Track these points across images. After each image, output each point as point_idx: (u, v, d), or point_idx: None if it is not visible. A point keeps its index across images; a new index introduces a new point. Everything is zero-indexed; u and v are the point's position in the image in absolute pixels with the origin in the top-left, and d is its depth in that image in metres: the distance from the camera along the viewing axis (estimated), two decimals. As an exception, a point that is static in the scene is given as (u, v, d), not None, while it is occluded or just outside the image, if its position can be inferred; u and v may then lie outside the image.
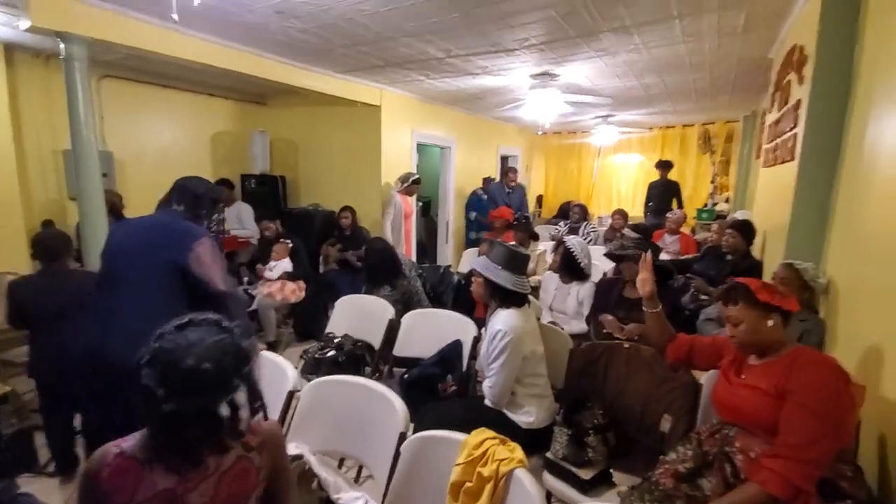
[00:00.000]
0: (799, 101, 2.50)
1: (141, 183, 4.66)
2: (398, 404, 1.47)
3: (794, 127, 2.56)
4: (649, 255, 1.88)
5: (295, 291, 4.06)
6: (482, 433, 1.32)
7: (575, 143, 8.68)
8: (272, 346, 3.88)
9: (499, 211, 4.99)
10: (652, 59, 3.72)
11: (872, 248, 1.76)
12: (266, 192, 5.38)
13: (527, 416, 1.86)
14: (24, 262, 3.82)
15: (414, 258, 5.46)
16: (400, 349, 2.60)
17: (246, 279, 4.39)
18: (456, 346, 2.33)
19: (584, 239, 4.83)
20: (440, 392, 2.21)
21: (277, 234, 4.35)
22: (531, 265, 4.07)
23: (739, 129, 6.63)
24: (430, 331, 2.56)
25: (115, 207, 3.71)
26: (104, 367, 1.64)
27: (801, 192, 2.39)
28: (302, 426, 1.62)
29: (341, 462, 1.96)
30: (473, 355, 2.39)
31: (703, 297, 3.11)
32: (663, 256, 4.17)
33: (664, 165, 6.35)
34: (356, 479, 2.03)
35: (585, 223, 5.57)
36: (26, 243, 3.85)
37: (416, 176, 5.10)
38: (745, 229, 3.27)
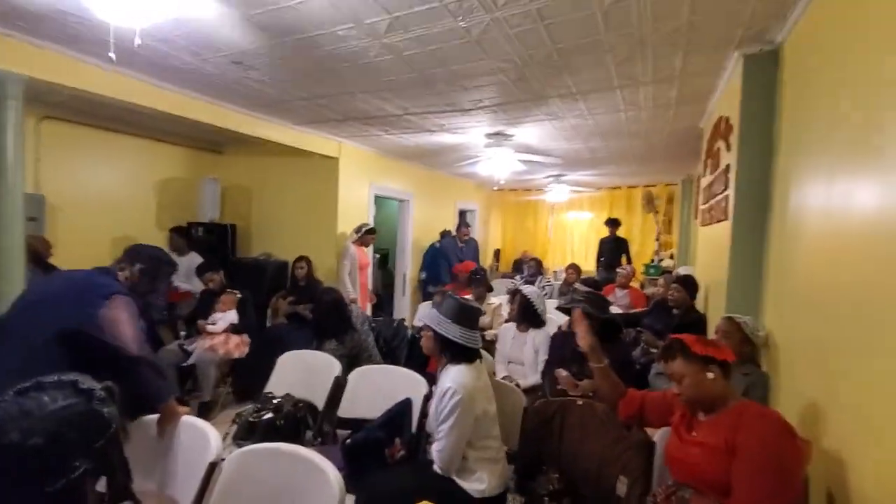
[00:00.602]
0: (728, 166, 2.71)
1: (77, 228, 4.35)
2: (333, 475, 1.33)
3: (726, 189, 2.76)
4: (578, 311, 1.90)
5: (239, 346, 3.79)
6: (426, 506, 1.20)
7: (530, 200, 9.03)
8: (206, 407, 3.54)
9: (464, 265, 5.02)
10: (596, 124, 3.99)
11: (802, 301, 1.84)
12: (214, 241, 5.15)
13: (478, 484, 1.73)
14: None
15: (370, 311, 5.30)
16: (346, 409, 2.43)
17: (183, 333, 4.07)
18: (405, 405, 2.19)
19: (541, 292, 4.89)
20: (387, 458, 2.04)
21: (222, 285, 4.11)
22: (487, 319, 4.04)
23: (679, 191, 7.14)
24: (378, 388, 2.41)
25: (38, 255, 3.40)
26: None
27: (735, 249, 2.52)
28: (224, 501, 1.42)
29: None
30: (424, 414, 2.26)
31: (652, 350, 3.15)
32: (614, 310, 4.26)
33: (613, 223, 6.67)
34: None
35: (540, 277, 5.67)
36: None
37: (370, 226, 5.07)
38: (689, 284, 3.41)
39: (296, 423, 2.42)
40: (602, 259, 6.63)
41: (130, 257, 1.89)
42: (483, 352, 2.07)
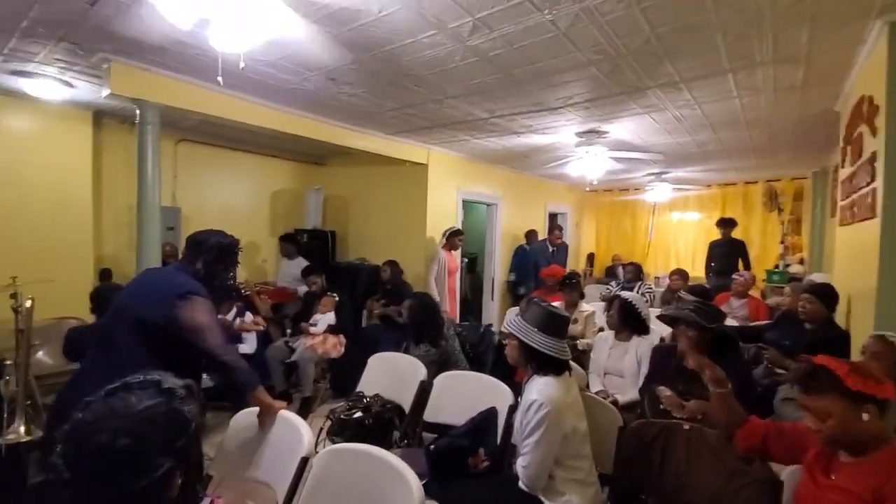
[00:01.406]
0: (874, 154, 2.26)
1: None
2: (414, 484, 1.31)
3: (872, 181, 2.30)
4: (683, 329, 1.66)
5: (336, 346, 4.02)
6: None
7: (628, 200, 8.43)
8: (307, 401, 3.80)
9: (551, 269, 4.82)
10: (704, 114, 3.58)
11: None
12: (317, 247, 5.56)
13: (567, 506, 1.61)
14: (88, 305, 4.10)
15: (458, 315, 5.33)
16: (431, 414, 2.43)
17: (289, 331, 4.43)
18: (490, 414, 2.13)
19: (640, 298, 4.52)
20: (471, 467, 1.99)
21: (323, 287, 4.41)
22: (579, 327, 3.82)
23: (809, 185, 6.17)
24: (463, 395, 2.38)
25: (168, 257, 3.92)
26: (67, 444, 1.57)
27: (887, 251, 2.09)
28: (312, 497, 1.48)
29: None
30: (510, 425, 2.18)
31: (778, 370, 2.72)
32: (730, 322, 3.78)
33: (726, 223, 5.95)
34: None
35: (640, 283, 5.24)
36: (92, 288, 4.16)
37: (455, 227, 5.09)
38: (825, 294, 2.88)
39: (384, 423, 2.48)
40: (713, 264, 5.94)
41: (195, 252, 1.86)
42: (573, 364, 1.94)
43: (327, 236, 5.70)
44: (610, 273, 7.44)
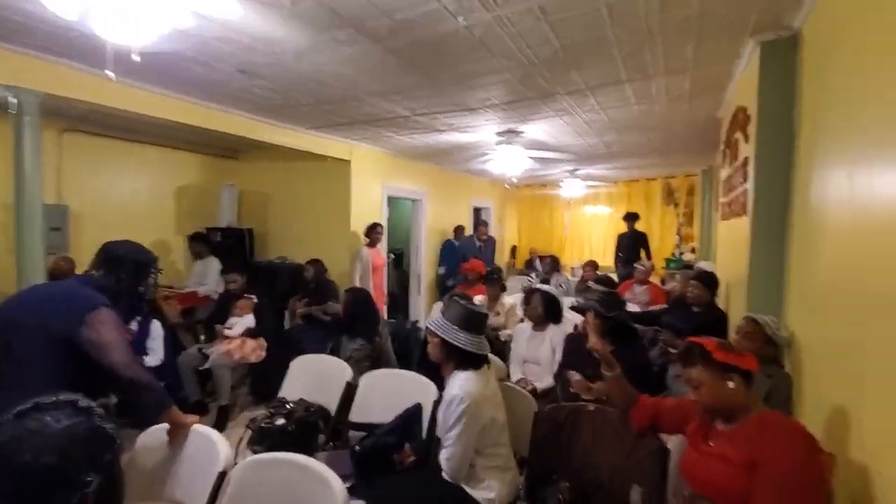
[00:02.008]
0: (746, 158, 2.60)
1: (100, 236, 4.42)
2: (337, 487, 1.32)
3: (745, 182, 2.65)
4: (590, 316, 1.84)
5: (255, 350, 3.84)
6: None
7: (546, 195, 8.92)
8: (225, 410, 3.60)
9: (471, 264, 4.97)
10: (609, 119, 3.89)
11: (827, 300, 1.75)
12: (232, 246, 5.24)
13: (488, 492, 1.71)
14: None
15: (385, 312, 5.32)
16: (357, 414, 2.43)
17: (202, 337, 4.15)
18: (415, 411, 2.18)
19: (557, 290, 4.82)
20: (397, 464, 2.03)
21: (242, 288, 4.18)
22: (501, 319, 3.99)
23: (699, 182, 6.93)
24: (389, 393, 2.40)
25: (63, 274, 3.43)
26: None
27: (756, 245, 2.43)
28: (232, 513, 1.43)
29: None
30: (435, 419, 2.24)
31: (671, 350, 3.05)
32: (632, 307, 4.16)
33: (631, 217, 6.53)
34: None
35: (556, 274, 5.59)
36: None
37: (373, 222, 5.07)
38: (708, 280, 3.29)
39: (308, 428, 2.43)
40: (620, 254, 6.50)
41: (110, 265, 1.75)
42: (492, 357, 2.04)
43: (244, 234, 5.39)
44: (529, 265, 7.83)
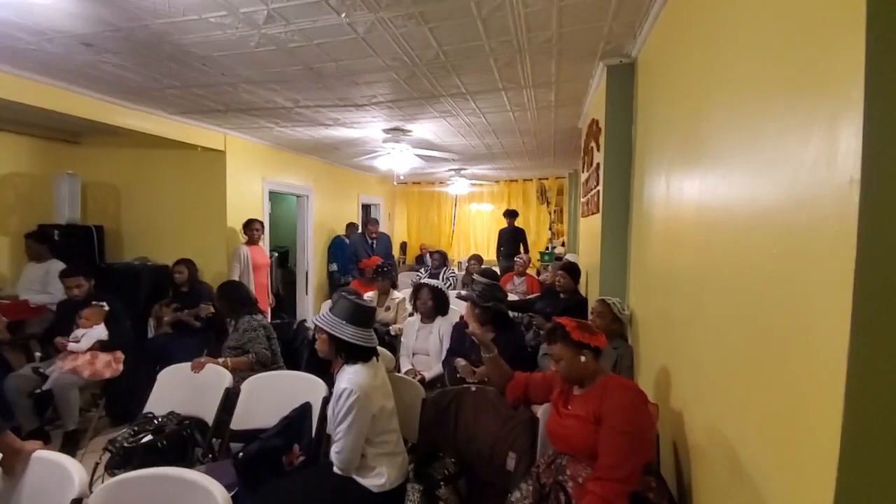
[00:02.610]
0: (598, 164, 3.02)
1: None
2: (219, 493, 1.27)
3: (597, 185, 3.07)
4: (468, 306, 2.02)
5: (110, 364, 3.36)
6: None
7: (434, 192, 9.19)
8: (73, 436, 3.12)
9: (371, 260, 4.96)
10: (488, 122, 4.18)
11: (653, 282, 2.14)
12: (75, 245, 4.48)
13: (378, 479, 1.76)
14: None
15: (270, 313, 5.02)
16: (240, 421, 2.31)
17: (38, 354, 3.52)
18: (303, 410, 2.14)
19: (444, 284, 5.04)
20: (286, 465, 1.98)
21: (88, 294, 3.60)
22: (391, 314, 4.06)
23: (567, 183, 7.76)
24: (276, 395, 2.32)
25: None
26: None
27: (605, 238, 2.84)
28: (91, 543, 1.29)
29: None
30: (324, 417, 2.23)
31: (542, 332, 3.43)
32: (513, 297, 4.54)
33: (511, 214, 7.06)
34: None
35: (445, 268, 5.82)
36: None
37: (250, 218, 4.78)
38: (572, 270, 3.75)
39: (182, 442, 2.24)
40: (502, 249, 7.00)
41: None
42: (381, 349, 2.10)
43: (90, 232, 4.65)
44: (419, 261, 8.02)
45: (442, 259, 6.23)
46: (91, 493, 1.39)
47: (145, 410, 2.39)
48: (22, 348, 3.76)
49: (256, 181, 5.20)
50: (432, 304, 3.17)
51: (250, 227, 4.71)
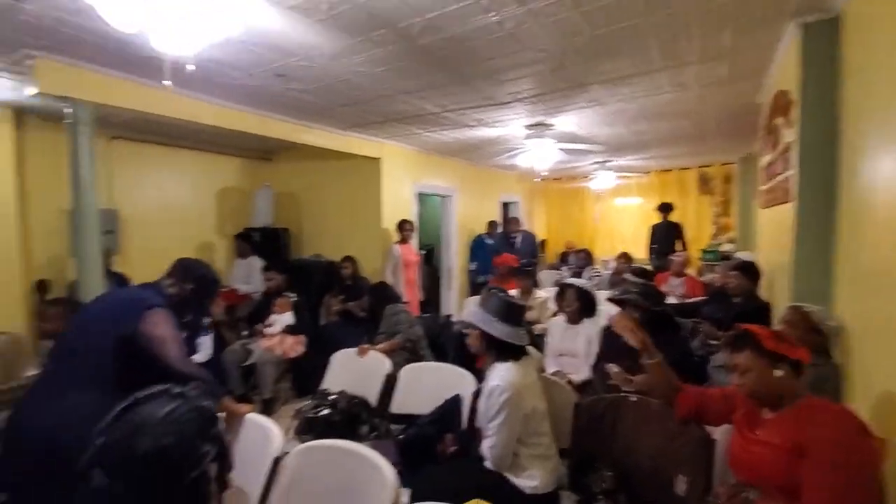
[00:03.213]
0: (789, 144, 2.52)
1: (147, 238, 4.75)
2: (388, 473, 1.38)
3: (788, 169, 2.57)
4: (620, 316, 1.84)
5: (294, 346, 3.98)
6: (478, 504, 1.22)
7: (575, 188, 8.80)
8: (269, 403, 3.75)
9: (502, 258, 4.97)
10: (641, 107, 3.82)
11: (878, 286, 1.70)
12: (269, 245, 5.43)
13: (530, 480, 1.74)
14: (19, 318, 3.81)
15: (419, 307, 5.39)
16: (398, 405, 2.50)
17: (244, 333, 4.33)
18: (454, 401, 2.23)
19: (589, 283, 4.78)
20: (439, 453, 2.09)
21: (279, 286, 4.33)
22: (534, 314, 4.00)
23: (736, 170, 6.71)
24: (427, 385, 2.47)
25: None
26: (16, 445, 1.55)
27: (801, 232, 2.36)
28: (287, 497, 1.51)
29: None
30: (474, 410, 2.29)
31: (711, 342, 3.00)
32: (669, 300, 4.09)
33: (665, 208, 6.38)
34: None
35: (589, 267, 5.53)
36: (23, 300, 3.86)
37: (403, 219, 5.15)
38: (749, 270, 3.20)
39: (351, 418, 2.52)
40: (654, 246, 6.37)
41: (181, 275, 1.89)
42: (531, 348, 2.07)
43: (279, 234, 5.57)
44: (563, 259, 7.77)
45: (587, 257, 5.93)
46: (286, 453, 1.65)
47: (322, 387, 2.75)
48: (234, 328, 4.66)
49: (407, 184, 5.61)
50: (578, 304, 3.02)
51: (403, 227, 5.10)
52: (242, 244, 5.09)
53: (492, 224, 6.64)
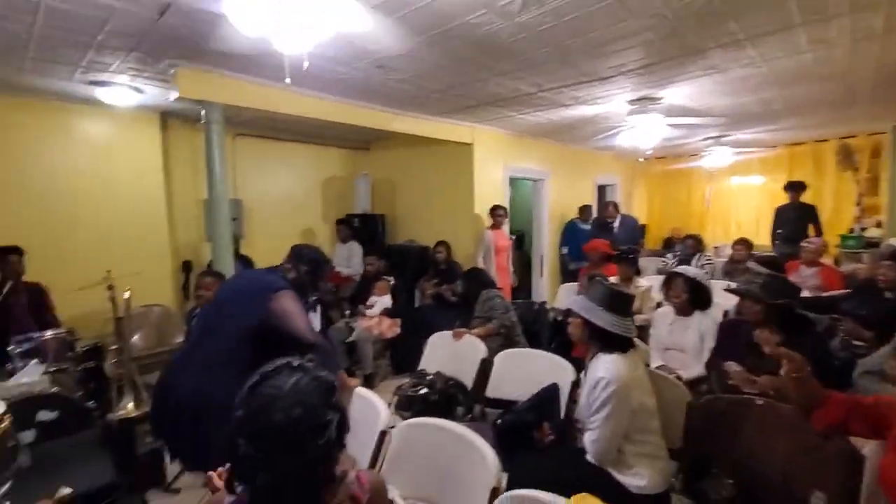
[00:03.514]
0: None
1: (265, 224, 5.29)
2: (490, 456, 1.40)
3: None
4: (760, 330, 1.60)
5: (391, 327, 4.19)
6: (585, 500, 1.18)
7: (682, 168, 8.03)
8: (369, 378, 4.00)
9: (592, 244, 4.70)
10: (770, 71, 3.33)
11: None
12: (368, 230, 5.74)
13: (638, 479, 1.65)
14: (169, 293, 4.47)
15: (510, 292, 5.36)
16: (493, 390, 2.52)
17: (347, 312, 4.65)
18: (552, 390, 2.18)
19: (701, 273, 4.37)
20: (536, 441, 2.06)
21: (378, 270, 4.57)
22: (636, 304, 3.75)
23: (889, 140, 5.62)
24: (523, 372, 2.45)
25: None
26: (168, 401, 1.82)
27: None
28: (392, 468, 1.60)
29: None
30: (573, 400, 2.22)
31: (857, 342, 2.57)
32: (802, 293, 3.59)
33: (796, 187, 5.56)
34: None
35: (699, 254, 5.04)
36: (172, 278, 4.52)
37: (495, 204, 5.09)
38: (911, 261, 2.69)
39: (448, 399, 2.60)
40: (780, 231, 5.60)
41: (296, 260, 2.12)
42: (638, 340, 1.94)
43: (377, 220, 5.85)
44: (666, 246, 7.19)
45: (696, 244, 5.40)
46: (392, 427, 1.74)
47: (420, 367, 2.87)
48: (337, 307, 5.03)
49: (498, 169, 5.55)
50: (688, 296, 2.76)
51: (495, 212, 5.07)
52: (344, 229, 5.45)
53: (585, 209, 6.30)
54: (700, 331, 2.68)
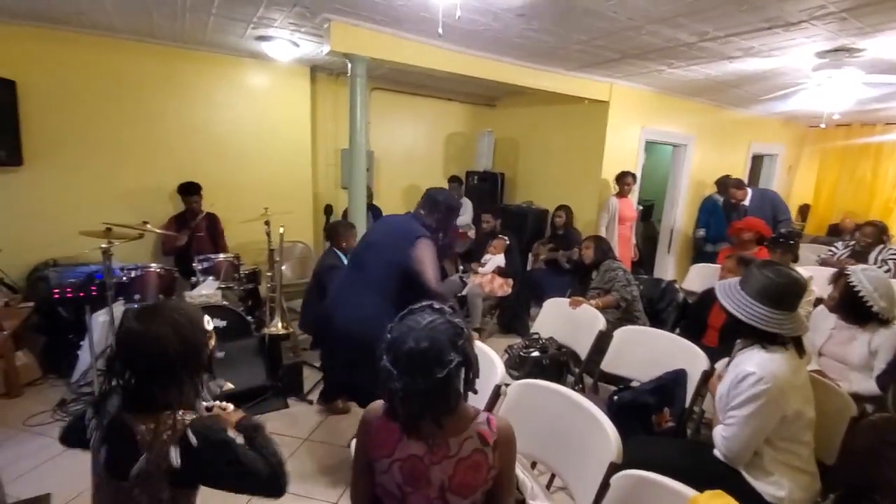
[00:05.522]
0: None
1: (392, 175, 5.59)
2: (611, 432, 1.34)
3: None
4: None
5: (503, 286, 4.21)
6: (719, 498, 1.08)
7: (872, 142, 6.54)
8: (477, 333, 4.11)
9: (746, 221, 4.08)
10: None
11: None
12: (486, 188, 5.73)
13: (776, 489, 1.47)
14: (311, 234, 5.00)
15: (631, 266, 5.01)
16: (608, 365, 2.41)
17: (461, 267, 4.78)
18: (679, 376, 2.02)
19: (880, 268, 3.60)
20: (653, 425, 1.95)
21: (494, 229, 4.58)
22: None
23: None
24: (646, 351, 2.29)
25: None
26: (331, 330, 2.19)
27: None
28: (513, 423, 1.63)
29: (533, 464, 1.92)
30: (700, 393, 2.03)
31: None
32: None
33: None
34: (548, 486, 1.96)
35: (882, 247, 4.14)
36: (313, 220, 5.03)
37: (624, 171, 4.69)
38: None
39: (559, 365, 2.56)
40: None
41: (430, 206, 2.31)
42: (806, 342, 1.67)
43: (497, 178, 5.79)
44: (832, 232, 6.05)
45: (877, 234, 4.42)
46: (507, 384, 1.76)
47: (532, 330, 2.85)
48: (453, 261, 5.20)
49: (634, 131, 5.07)
50: (838, 305, 2.26)
51: (623, 179, 4.69)
52: (455, 187, 5.50)
53: (721, 183, 5.37)
54: (872, 346, 2.21)
